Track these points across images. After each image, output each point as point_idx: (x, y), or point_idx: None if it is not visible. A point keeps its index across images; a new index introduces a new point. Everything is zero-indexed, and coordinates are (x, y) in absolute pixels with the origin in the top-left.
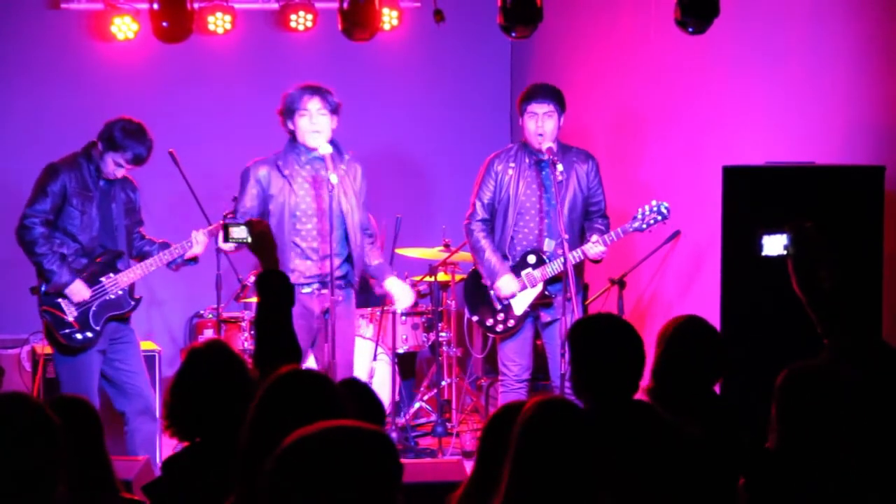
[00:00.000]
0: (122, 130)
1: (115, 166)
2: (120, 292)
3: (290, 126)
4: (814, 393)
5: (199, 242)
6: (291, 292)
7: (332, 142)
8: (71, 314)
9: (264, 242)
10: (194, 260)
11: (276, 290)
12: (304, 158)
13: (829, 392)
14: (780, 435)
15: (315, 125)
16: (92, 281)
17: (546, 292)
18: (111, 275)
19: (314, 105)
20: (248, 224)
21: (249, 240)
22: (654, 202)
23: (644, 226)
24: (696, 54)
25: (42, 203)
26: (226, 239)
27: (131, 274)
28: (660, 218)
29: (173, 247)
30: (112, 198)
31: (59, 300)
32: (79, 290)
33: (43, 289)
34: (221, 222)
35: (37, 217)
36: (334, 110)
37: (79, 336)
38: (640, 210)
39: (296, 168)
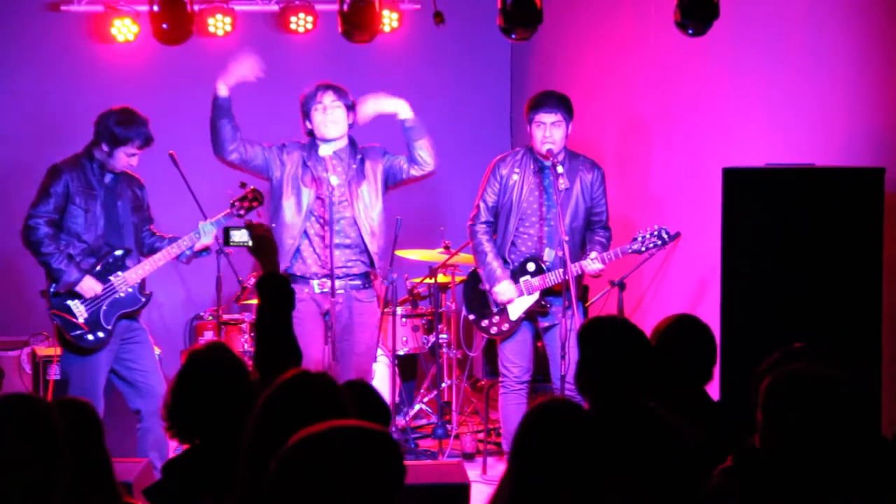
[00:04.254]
0: (119, 124)
1: (127, 158)
2: (129, 290)
3: (308, 125)
4: (800, 396)
5: (206, 233)
6: (292, 295)
7: (349, 138)
8: (81, 316)
9: (265, 245)
10: (206, 251)
11: (276, 292)
12: (321, 156)
13: (815, 394)
14: (767, 438)
15: (329, 116)
16: (101, 280)
17: (543, 302)
18: (119, 273)
19: (328, 98)
20: (249, 227)
21: (250, 243)
22: (655, 226)
23: (643, 248)
24: (696, 56)
25: (45, 203)
26: (227, 242)
27: (140, 270)
28: (660, 243)
29: (181, 239)
30: (118, 195)
31: (68, 302)
32: (90, 286)
33: (52, 290)
34: (228, 210)
35: (40, 217)
36: (349, 107)
37: (90, 337)
38: (640, 233)
39: (315, 162)
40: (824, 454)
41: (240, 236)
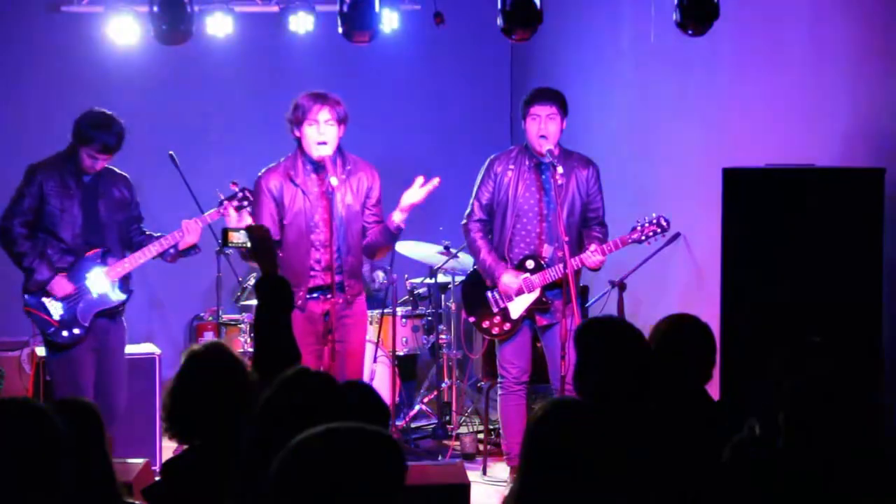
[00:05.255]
0: (87, 124)
1: (90, 160)
2: (108, 288)
3: (297, 133)
4: (819, 399)
5: (190, 231)
6: (291, 296)
7: (338, 149)
8: (56, 314)
9: (264, 247)
10: (194, 249)
11: (275, 293)
12: (311, 166)
13: (831, 397)
14: (789, 440)
15: (322, 135)
16: (76, 278)
17: (543, 298)
18: (97, 270)
19: (323, 115)
20: (248, 229)
21: (249, 245)
22: (653, 214)
23: (643, 237)
24: (696, 56)
25: (18, 204)
26: (225, 244)
27: (119, 268)
28: (659, 231)
29: (164, 237)
30: (99, 195)
31: (44, 300)
32: (61, 286)
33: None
34: (216, 210)
35: (14, 218)
36: (342, 120)
37: (65, 333)
38: (638, 222)
39: (304, 176)
40: (834, 454)
41: (238, 238)
